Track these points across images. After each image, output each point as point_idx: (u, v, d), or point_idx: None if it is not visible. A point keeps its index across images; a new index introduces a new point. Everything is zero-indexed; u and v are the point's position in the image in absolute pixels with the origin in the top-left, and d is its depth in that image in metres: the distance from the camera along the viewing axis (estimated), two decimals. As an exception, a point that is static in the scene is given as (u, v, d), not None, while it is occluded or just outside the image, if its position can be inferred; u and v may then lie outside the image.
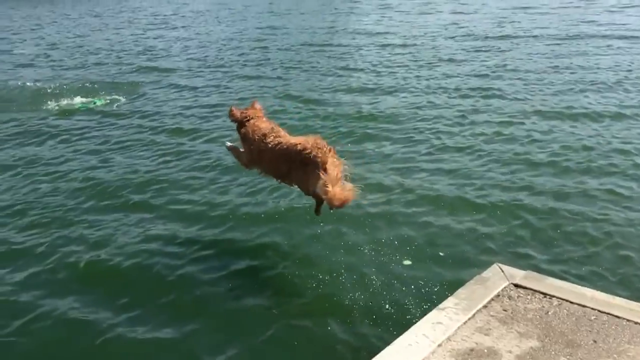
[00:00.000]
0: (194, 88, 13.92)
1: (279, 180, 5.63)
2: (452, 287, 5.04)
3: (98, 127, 10.93)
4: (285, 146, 5.21)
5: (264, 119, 5.75)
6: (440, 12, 26.21)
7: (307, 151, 4.90)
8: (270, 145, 5.33)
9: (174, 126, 10.71)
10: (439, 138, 9.24)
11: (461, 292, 4.04)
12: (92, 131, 10.73)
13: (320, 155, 4.80)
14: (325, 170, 4.77)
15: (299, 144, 5.05)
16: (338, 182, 4.84)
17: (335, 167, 4.85)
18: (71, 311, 5.25)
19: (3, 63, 20.08)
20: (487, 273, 4.28)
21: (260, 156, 5.50)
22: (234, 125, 5.85)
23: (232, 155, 6.23)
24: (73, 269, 5.93)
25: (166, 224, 6.74)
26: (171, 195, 7.52)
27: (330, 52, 17.71)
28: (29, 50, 23.19)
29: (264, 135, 5.42)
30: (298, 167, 5.08)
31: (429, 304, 4.79)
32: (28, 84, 15.70)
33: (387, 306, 4.98)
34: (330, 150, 4.93)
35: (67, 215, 7.11)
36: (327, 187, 4.71)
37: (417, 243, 6.05)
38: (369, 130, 9.79)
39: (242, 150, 5.83)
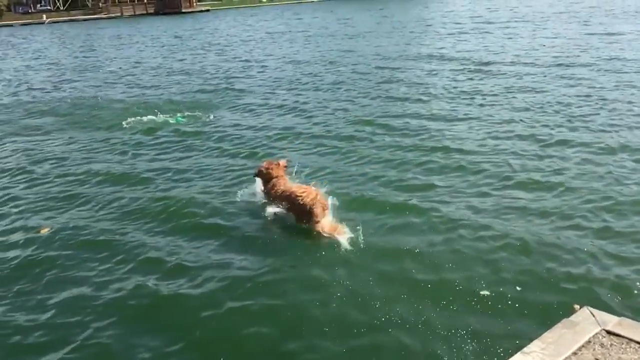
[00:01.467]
0: (269, 110, 14.16)
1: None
2: (530, 324, 4.83)
3: (175, 145, 11.23)
4: (288, 193, 6.78)
5: (285, 176, 7.25)
6: (519, 36, 25.55)
7: (307, 206, 6.48)
8: (278, 193, 6.91)
9: (247, 146, 10.86)
10: (514, 171, 8.72)
11: (548, 335, 3.76)
12: (170, 148, 11.06)
13: (316, 212, 6.45)
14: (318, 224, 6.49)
15: (300, 196, 6.56)
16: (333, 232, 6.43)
17: (327, 223, 6.53)
18: (129, 334, 5.31)
19: (92, 79, 21.42)
20: (576, 317, 3.97)
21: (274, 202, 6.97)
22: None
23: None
24: (138, 291, 5.93)
25: (233, 250, 6.65)
26: (241, 219, 7.40)
27: (403, 76, 17.58)
28: (115, 67, 24.63)
29: (278, 190, 6.97)
30: (296, 211, 6.66)
31: (509, 345, 4.51)
32: (114, 99, 16.65)
33: (461, 344, 4.72)
34: (325, 207, 6.55)
35: (138, 234, 7.26)
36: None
37: (489, 279, 5.71)
38: (439, 160, 9.38)
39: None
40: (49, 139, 12.45)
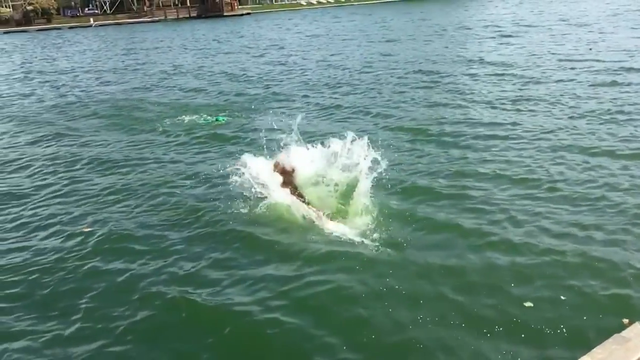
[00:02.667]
0: (305, 113, 14.02)
1: None
2: (577, 339, 4.65)
3: (213, 147, 11.28)
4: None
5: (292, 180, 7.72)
6: (564, 40, 24.76)
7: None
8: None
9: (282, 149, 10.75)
10: (554, 182, 8.29)
11: (597, 351, 3.56)
12: (207, 151, 11.12)
13: None
14: None
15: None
16: None
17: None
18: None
19: (134, 82, 21.91)
20: (627, 332, 3.75)
21: None
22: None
23: None
24: (170, 290, 5.97)
25: (263, 254, 6.60)
26: (271, 225, 7.29)
27: (442, 81, 17.28)
28: (156, 70, 25.12)
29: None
30: None
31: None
32: (155, 102, 16.99)
33: (504, 355, 4.55)
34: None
35: (173, 235, 7.33)
36: None
37: (528, 292, 5.52)
38: (475, 168, 9.03)
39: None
40: (90, 140, 12.72)
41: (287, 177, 7.66)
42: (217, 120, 13.48)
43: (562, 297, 5.36)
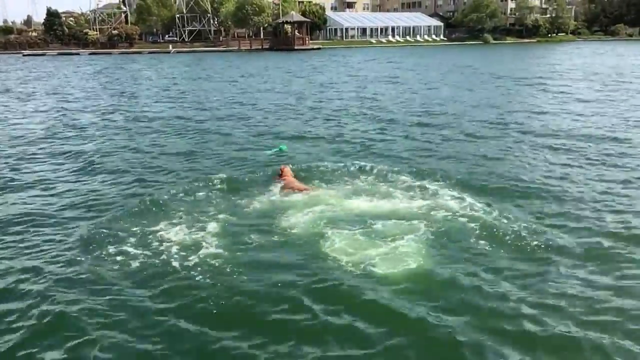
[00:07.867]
0: (355, 154, 13.64)
1: None
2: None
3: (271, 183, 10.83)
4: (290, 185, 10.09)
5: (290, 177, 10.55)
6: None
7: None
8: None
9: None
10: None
11: None
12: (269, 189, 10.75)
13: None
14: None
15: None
16: None
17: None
18: None
19: (202, 111, 22.63)
20: None
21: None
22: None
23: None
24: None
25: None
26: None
27: (494, 145, 15.94)
28: (221, 97, 25.97)
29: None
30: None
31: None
32: (218, 132, 17.46)
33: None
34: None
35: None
36: None
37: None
38: (540, 243, 7.68)
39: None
40: (151, 166, 12.90)
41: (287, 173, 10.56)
42: (280, 149, 13.66)
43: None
